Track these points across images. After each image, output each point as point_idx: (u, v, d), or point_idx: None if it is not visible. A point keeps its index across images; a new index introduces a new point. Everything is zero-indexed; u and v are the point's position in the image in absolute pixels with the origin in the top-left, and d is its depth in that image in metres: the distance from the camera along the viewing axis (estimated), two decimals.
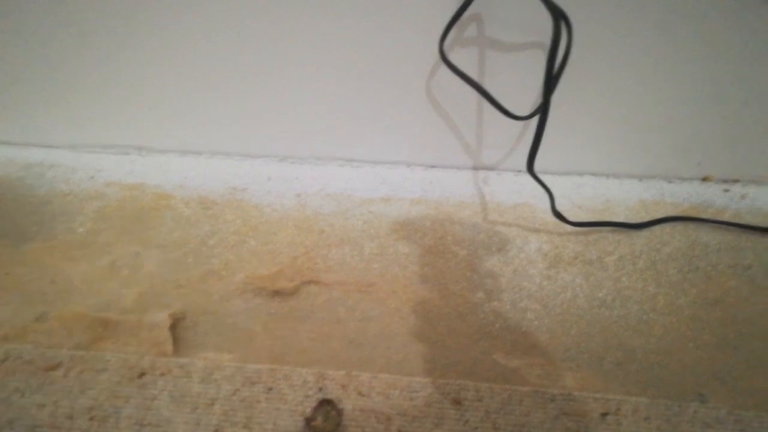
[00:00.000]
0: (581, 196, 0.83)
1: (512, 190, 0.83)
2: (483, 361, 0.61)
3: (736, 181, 0.85)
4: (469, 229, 0.77)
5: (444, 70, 0.74)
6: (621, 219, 0.78)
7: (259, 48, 0.76)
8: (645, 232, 0.77)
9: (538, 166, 0.74)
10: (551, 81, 0.65)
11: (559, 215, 0.74)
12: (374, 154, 0.87)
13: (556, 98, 0.68)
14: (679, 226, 0.78)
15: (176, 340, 0.62)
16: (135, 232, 0.75)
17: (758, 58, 0.71)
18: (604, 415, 0.57)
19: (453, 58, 0.72)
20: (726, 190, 0.84)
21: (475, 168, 0.86)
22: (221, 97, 0.82)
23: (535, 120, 0.69)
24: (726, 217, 0.78)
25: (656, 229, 0.77)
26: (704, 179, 0.85)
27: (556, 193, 0.77)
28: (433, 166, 0.87)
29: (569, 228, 0.76)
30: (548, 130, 0.69)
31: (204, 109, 0.84)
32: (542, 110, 0.68)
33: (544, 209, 0.78)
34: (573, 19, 0.63)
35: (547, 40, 0.70)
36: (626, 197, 0.83)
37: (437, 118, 0.81)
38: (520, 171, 0.85)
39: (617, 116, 0.79)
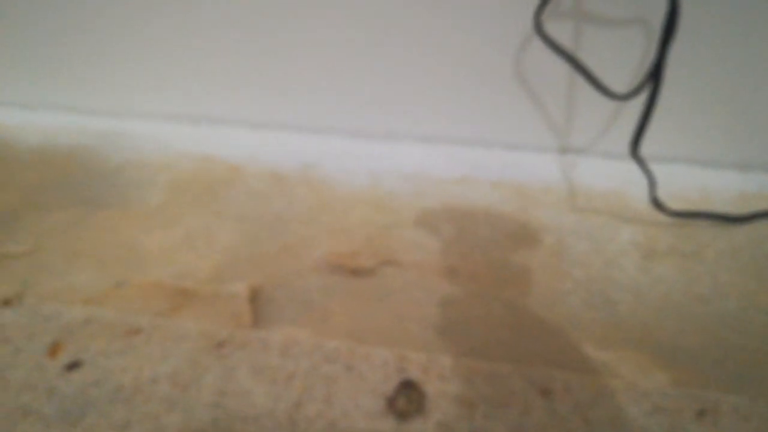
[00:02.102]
0: (674, 185, 0.82)
1: (601, 176, 0.83)
2: (571, 352, 0.62)
3: None
4: (555, 215, 0.78)
5: (532, 44, 0.74)
6: (718, 211, 0.77)
7: (332, 21, 0.78)
8: (746, 227, 0.76)
9: (624, 151, 0.74)
10: (672, 21, 0.63)
11: (658, 203, 0.74)
12: (450, 132, 0.89)
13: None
14: None
15: (254, 312, 0.65)
16: (208, 203, 0.79)
17: None
18: (701, 413, 0.57)
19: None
20: None
21: (561, 151, 0.87)
22: (292, 70, 0.85)
23: (633, 103, 0.69)
24: None
25: (759, 223, 0.76)
26: None
27: (646, 181, 0.77)
28: (515, 147, 0.87)
29: (663, 218, 0.76)
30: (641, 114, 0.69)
31: (274, 83, 0.87)
32: (655, 73, 0.66)
33: (636, 197, 0.78)
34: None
35: (649, 15, 0.71)
36: (724, 188, 0.82)
37: (521, 95, 0.81)
38: (609, 155, 0.85)
39: (718, 101, 0.78)
